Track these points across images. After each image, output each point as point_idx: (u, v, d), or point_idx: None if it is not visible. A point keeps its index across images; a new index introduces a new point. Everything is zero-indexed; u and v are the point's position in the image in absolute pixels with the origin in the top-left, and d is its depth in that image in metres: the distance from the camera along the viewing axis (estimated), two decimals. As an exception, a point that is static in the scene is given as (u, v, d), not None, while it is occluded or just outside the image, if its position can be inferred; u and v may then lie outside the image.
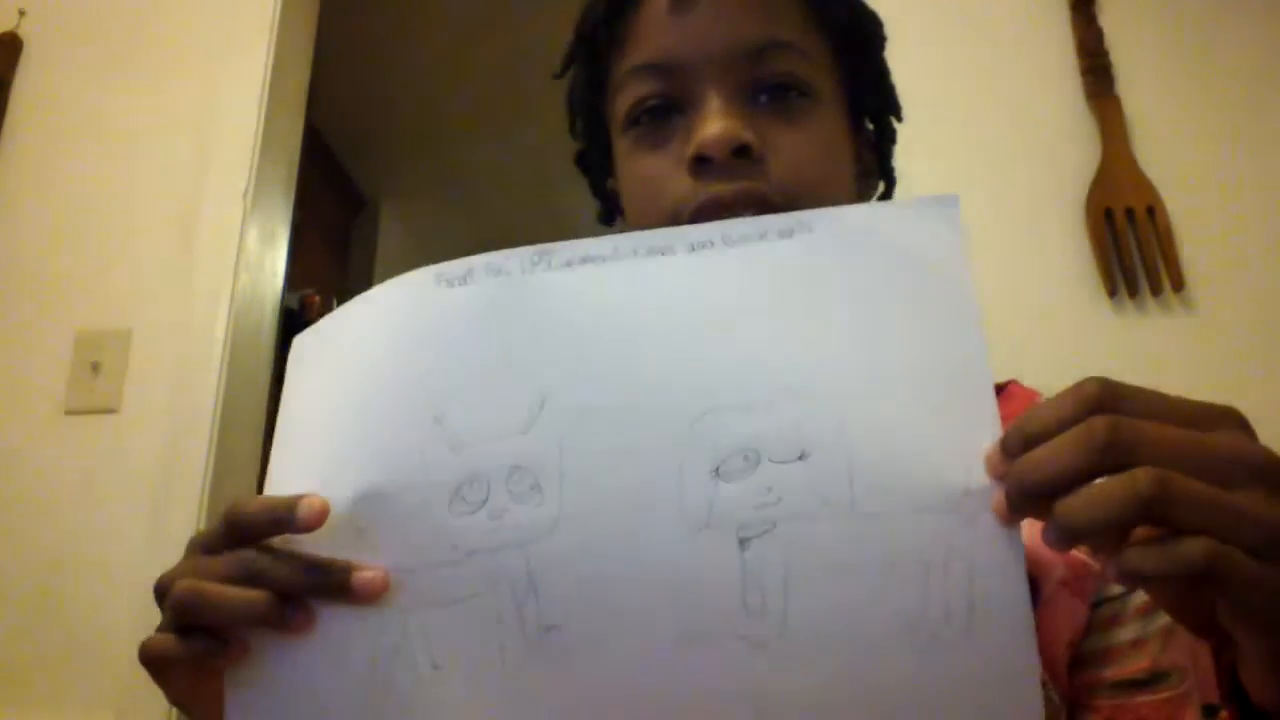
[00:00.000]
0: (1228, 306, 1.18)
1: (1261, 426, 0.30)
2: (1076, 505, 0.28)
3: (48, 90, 1.54)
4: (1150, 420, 0.29)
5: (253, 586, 0.35)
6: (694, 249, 0.36)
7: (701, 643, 0.32)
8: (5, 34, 1.55)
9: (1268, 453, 0.29)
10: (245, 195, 1.41)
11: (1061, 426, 0.29)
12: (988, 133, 1.30)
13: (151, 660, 0.37)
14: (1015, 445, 0.30)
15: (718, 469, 0.33)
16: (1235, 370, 1.15)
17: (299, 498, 0.36)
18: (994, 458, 0.31)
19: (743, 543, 0.32)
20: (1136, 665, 0.45)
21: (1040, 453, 0.29)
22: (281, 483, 0.39)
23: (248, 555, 0.36)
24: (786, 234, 0.36)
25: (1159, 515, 0.27)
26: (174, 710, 1.17)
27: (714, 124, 0.47)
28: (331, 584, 0.35)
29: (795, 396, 0.33)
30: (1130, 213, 1.22)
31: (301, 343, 0.42)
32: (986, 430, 0.32)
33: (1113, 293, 1.20)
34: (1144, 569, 0.28)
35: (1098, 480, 0.28)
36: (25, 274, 1.44)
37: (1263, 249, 1.20)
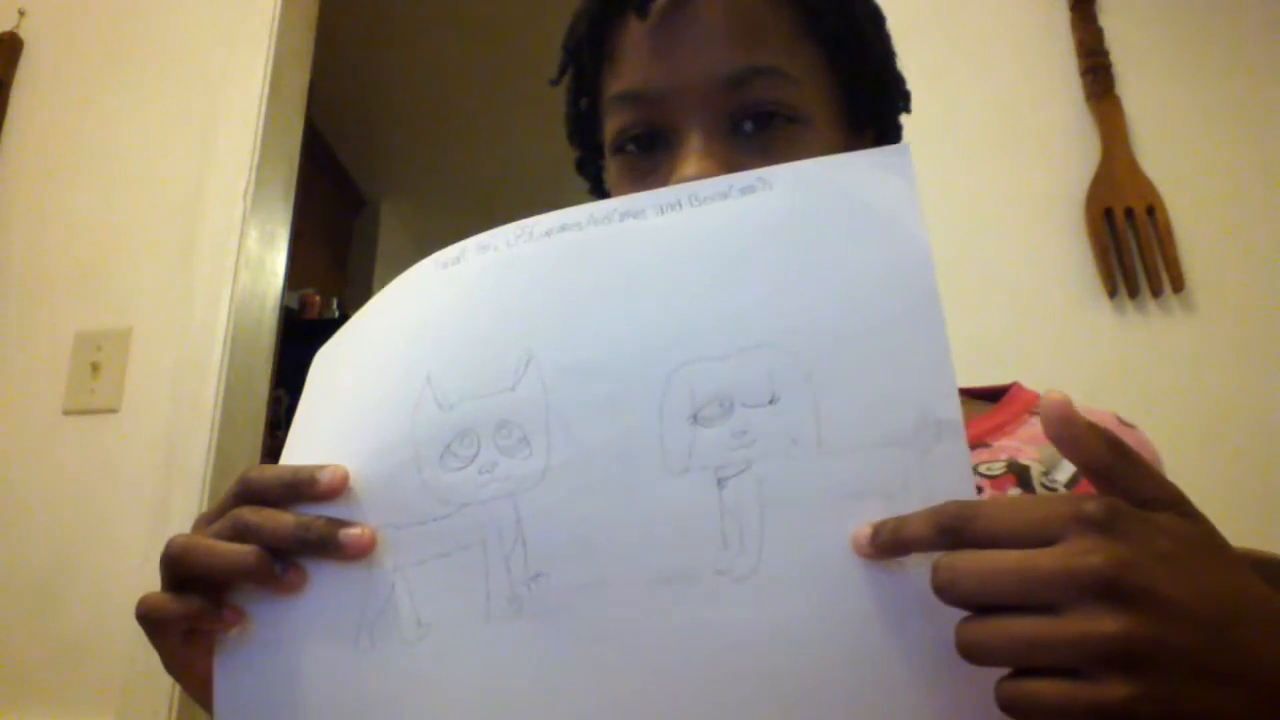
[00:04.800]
0: (1228, 306, 1.18)
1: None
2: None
3: (48, 90, 1.54)
4: (990, 542, 0.30)
5: (243, 542, 0.36)
6: (663, 210, 0.38)
7: (683, 580, 0.34)
8: (5, 34, 1.55)
9: (1093, 564, 0.28)
10: (245, 195, 1.41)
11: (914, 545, 0.32)
12: (988, 133, 1.30)
13: (145, 616, 0.38)
14: (882, 536, 0.33)
15: (695, 416, 0.35)
16: (1235, 370, 1.15)
17: (320, 466, 0.37)
18: (862, 539, 0.33)
19: (720, 483, 0.34)
20: None
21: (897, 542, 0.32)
22: (292, 458, 0.40)
23: (238, 513, 0.37)
24: (749, 191, 0.38)
25: (975, 663, 0.30)
26: (174, 710, 1.17)
27: (691, 166, 0.47)
28: (320, 540, 0.36)
29: (764, 346, 0.35)
30: (1130, 213, 1.22)
31: (320, 353, 0.45)
32: (938, 368, 0.34)
33: (1113, 293, 1.20)
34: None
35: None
36: (25, 274, 1.44)
37: (1263, 249, 1.20)
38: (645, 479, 0.35)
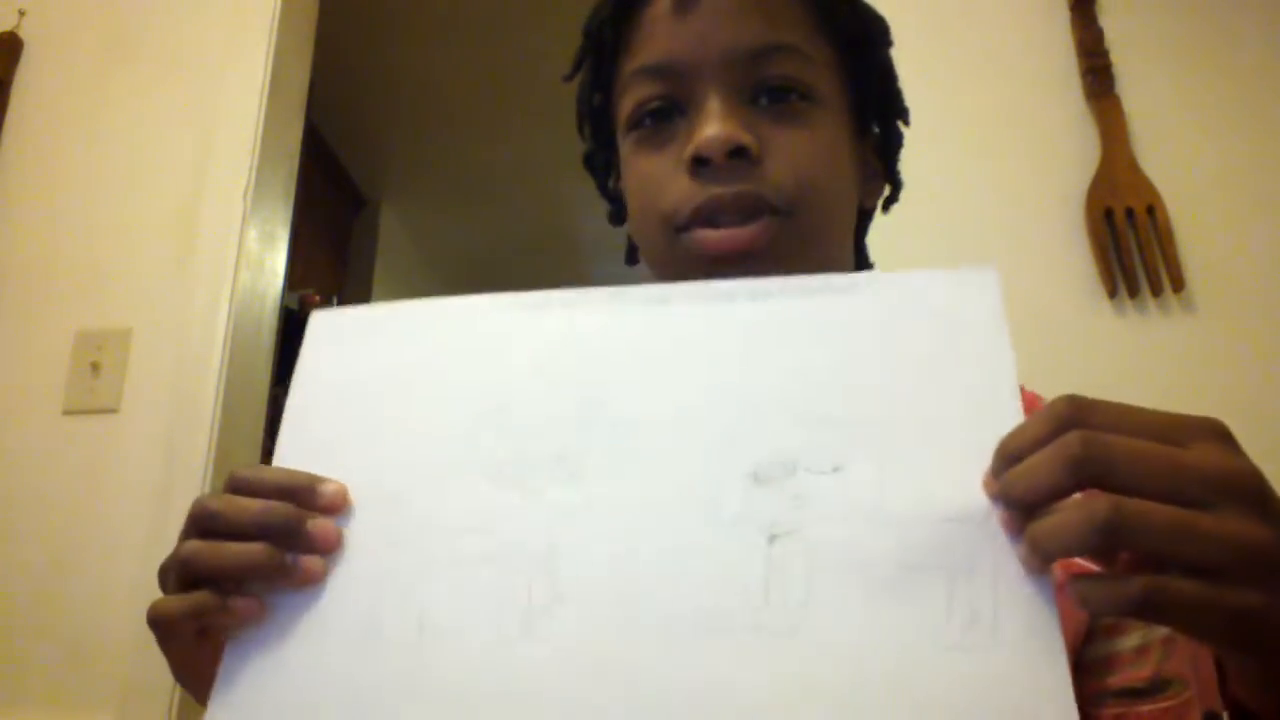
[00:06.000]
0: (1228, 306, 1.18)
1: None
2: (1042, 531, 0.30)
3: (48, 90, 1.54)
4: (1122, 435, 0.29)
5: (206, 533, 0.36)
6: (755, 298, 0.39)
7: (716, 635, 0.33)
8: (5, 34, 1.55)
9: (1243, 468, 0.29)
10: (245, 195, 1.41)
11: (1037, 444, 0.30)
12: (988, 133, 1.30)
13: (157, 619, 0.37)
14: (998, 465, 0.32)
15: (755, 474, 0.35)
16: (1235, 370, 1.15)
17: (320, 478, 0.37)
18: (987, 478, 0.33)
19: (770, 539, 0.34)
20: (1139, 674, 0.45)
21: (1020, 470, 0.31)
22: (308, 447, 0.40)
23: (201, 501, 0.37)
24: (843, 291, 0.39)
25: (1117, 542, 0.28)
26: (174, 710, 1.17)
27: (712, 126, 0.47)
28: (284, 525, 0.36)
29: (837, 421, 0.36)
30: (1130, 213, 1.22)
31: (330, 323, 0.44)
32: None
33: (1113, 293, 1.20)
34: (1090, 605, 0.29)
35: (1062, 504, 0.29)
36: (25, 274, 1.44)
37: (1263, 249, 1.20)
38: (691, 524, 0.35)
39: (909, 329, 0.37)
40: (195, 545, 0.37)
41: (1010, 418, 0.34)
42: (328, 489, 0.37)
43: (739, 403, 0.37)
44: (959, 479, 0.33)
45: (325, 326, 0.44)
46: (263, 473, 0.38)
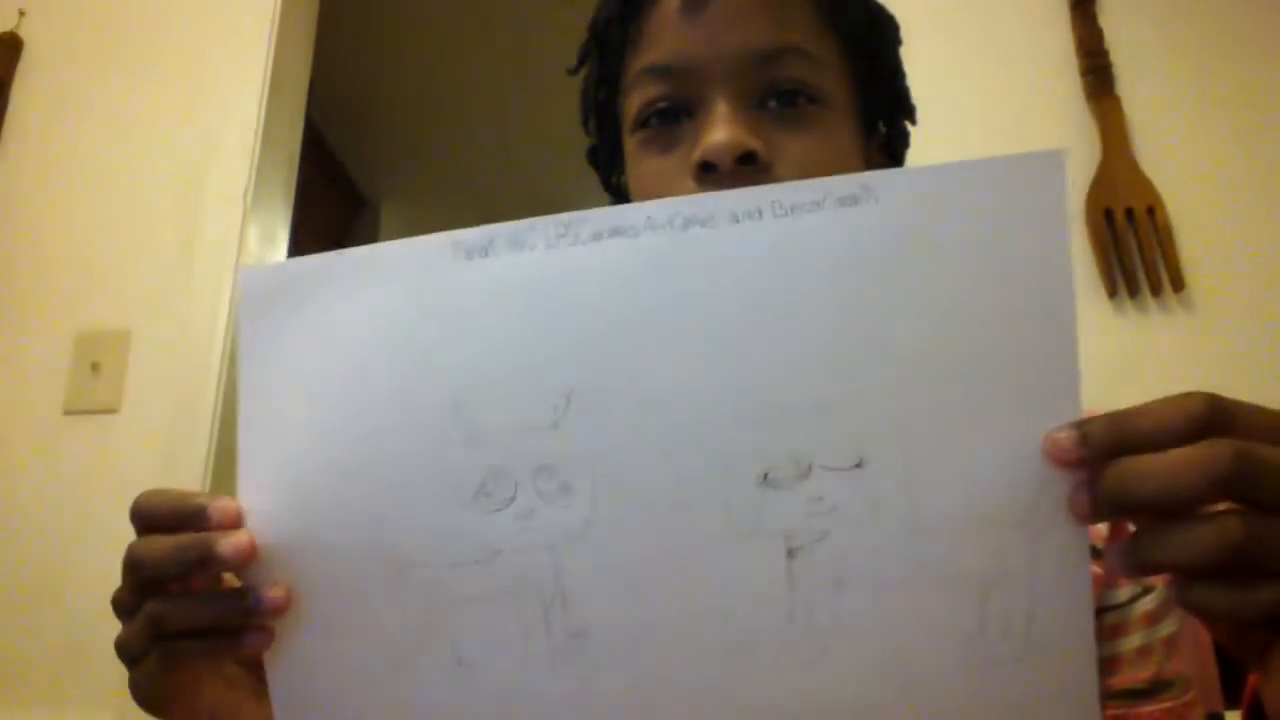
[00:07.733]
0: (1228, 306, 1.18)
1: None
2: (1170, 542, 0.27)
3: (48, 90, 1.54)
4: (1268, 445, 0.26)
5: (134, 576, 0.35)
6: (738, 218, 0.32)
7: (741, 656, 0.31)
8: (5, 34, 1.55)
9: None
10: (245, 195, 1.41)
11: (1164, 437, 0.27)
12: (988, 133, 1.30)
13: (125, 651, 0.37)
14: (1105, 440, 0.28)
15: (766, 475, 0.31)
16: (1235, 370, 1.15)
17: (212, 500, 0.36)
18: (1069, 442, 0.28)
19: (791, 552, 0.31)
20: (1140, 674, 0.45)
21: (1152, 465, 0.27)
22: (271, 459, 0.36)
23: (130, 548, 0.36)
24: (848, 202, 0.31)
25: (1244, 560, 0.26)
26: (174, 710, 1.17)
27: (720, 131, 0.47)
28: (200, 556, 0.34)
29: (854, 399, 0.30)
30: (1130, 213, 1.22)
31: (262, 283, 0.37)
32: None
33: (1113, 293, 1.20)
34: (1213, 609, 0.27)
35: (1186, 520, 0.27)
36: (25, 274, 1.44)
37: (1263, 249, 1.20)
38: (704, 540, 0.31)
39: (935, 252, 0.30)
40: (158, 607, 0.35)
41: (1063, 385, 0.29)
42: (218, 510, 0.35)
43: (733, 376, 0.31)
44: (996, 469, 0.29)
45: (257, 288, 0.37)
46: (155, 499, 0.37)
